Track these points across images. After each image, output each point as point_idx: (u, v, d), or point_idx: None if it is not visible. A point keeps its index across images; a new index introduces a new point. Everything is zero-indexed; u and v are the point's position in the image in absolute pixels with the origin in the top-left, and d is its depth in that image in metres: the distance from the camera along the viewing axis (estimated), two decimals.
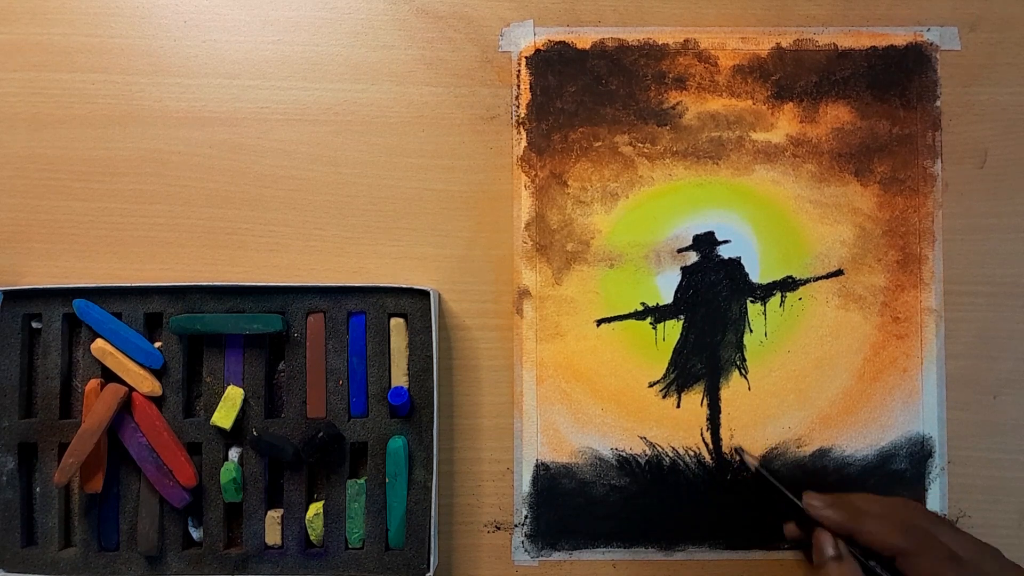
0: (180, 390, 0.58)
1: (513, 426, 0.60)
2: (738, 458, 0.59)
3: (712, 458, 0.60)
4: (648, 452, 0.60)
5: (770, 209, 0.61)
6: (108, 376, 0.58)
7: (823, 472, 0.60)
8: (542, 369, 0.61)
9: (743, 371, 0.61)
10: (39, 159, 0.61)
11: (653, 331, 0.61)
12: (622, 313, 0.61)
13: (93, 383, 0.57)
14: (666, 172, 0.61)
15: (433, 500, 0.57)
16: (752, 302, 0.61)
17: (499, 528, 0.60)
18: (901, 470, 0.60)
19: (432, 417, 0.57)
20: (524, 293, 0.61)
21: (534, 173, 0.61)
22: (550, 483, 0.60)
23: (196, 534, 0.59)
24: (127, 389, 0.57)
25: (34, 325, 0.59)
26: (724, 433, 0.60)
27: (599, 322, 0.61)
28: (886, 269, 0.61)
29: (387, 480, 0.58)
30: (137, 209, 0.61)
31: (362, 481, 0.58)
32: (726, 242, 0.61)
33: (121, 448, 0.57)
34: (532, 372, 0.61)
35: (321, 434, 0.57)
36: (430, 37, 0.62)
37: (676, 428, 0.61)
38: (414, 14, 0.62)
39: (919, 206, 0.61)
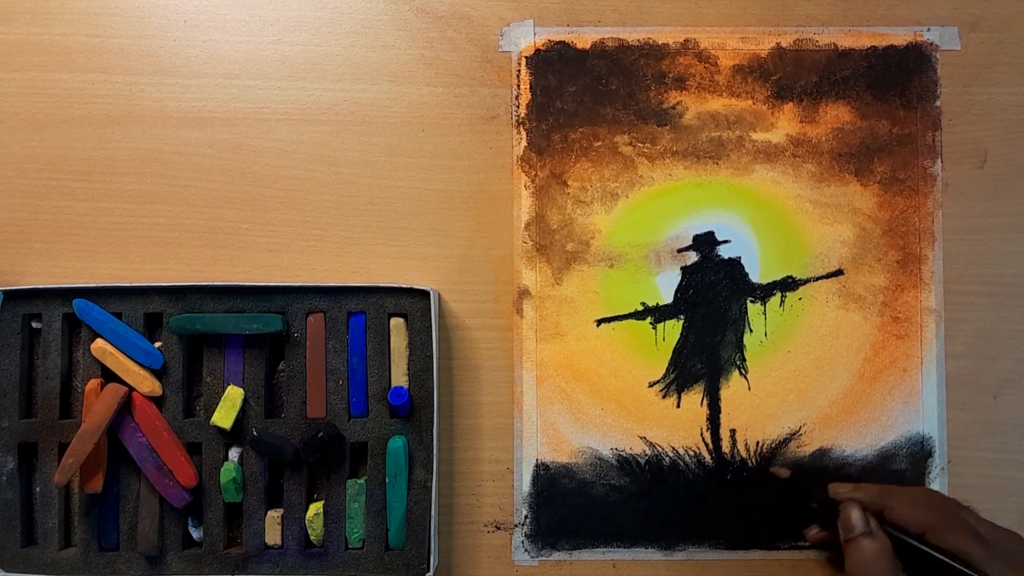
0: (180, 390, 0.58)
1: (513, 426, 0.60)
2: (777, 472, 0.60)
3: (712, 458, 0.60)
4: (648, 452, 0.60)
5: (770, 209, 0.61)
6: (108, 376, 0.58)
7: (823, 472, 0.60)
8: (542, 369, 0.61)
9: (743, 371, 0.61)
10: (39, 159, 0.61)
11: (653, 331, 0.61)
12: (622, 313, 0.61)
13: (93, 383, 0.57)
14: (666, 172, 0.61)
15: (433, 500, 0.57)
16: (752, 302, 0.61)
17: (499, 528, 0.60)
18: (901, 470, 0.60)
19: (432, 417, 0.57)
20: (524, 293, 0.61)
21: (534, 173, 0.61)
22: (550, 483, 0.60)
23: (196, 534, 0.59)
24: (127, 389, 0.57)
25: (34, 325, 0.59)
26: (724, 433, 0.60)
27: (599, 322, 0.61)
28: (886, 269, 0.61)
29: (387, 480, 0.58)
30: (137, 209, 0.61)
31: (362, 481, 0.58)
32: (726, 242, 0.61)
33: (121, 448, 0.57)
34: (532, 372, 0.61)
35: (321, 434, 0.57)
36: (430, 37, 0.62)
37: (676, 428, 0.61)
38: (414, 14, 0.62)
39: (919, 206, 0.61)
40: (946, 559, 0.50)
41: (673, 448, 0.60)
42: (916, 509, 0.51)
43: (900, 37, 0.62)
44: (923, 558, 0.51)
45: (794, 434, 0.60)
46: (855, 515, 0.52)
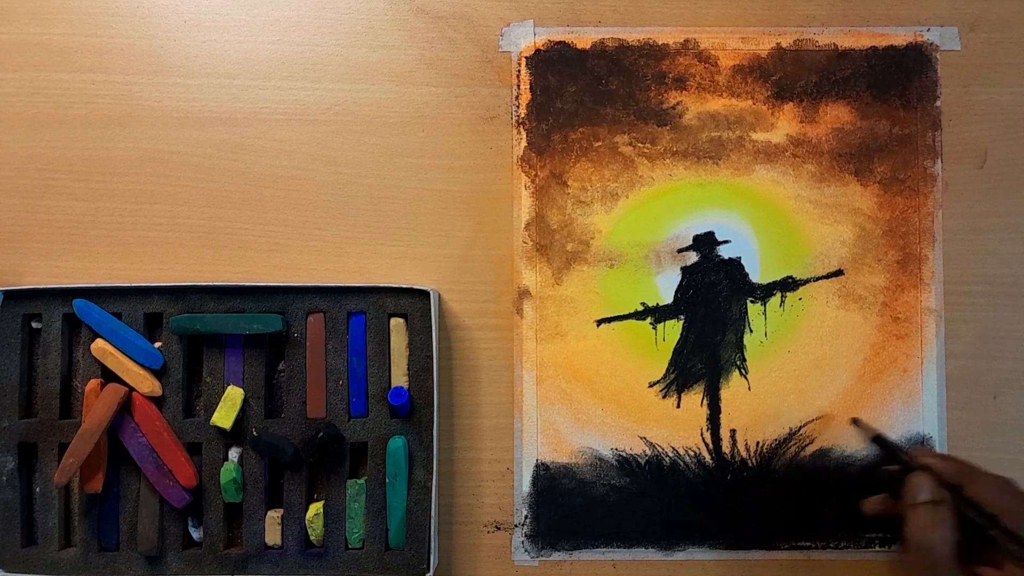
0: (180, 390, 0.58)
1: (513, 426, 0.60)
2: (854, 429, 0.59)
3: (712, 458, 0.60)
4: (648, 452, 0.60)
5: (770, 209, 0.61)
6: (108, 376, 0.58)
7: (823, 472, 0.60)
8: (542, 369, 0.61)
9: (743, 371, 0.61)
10: (39, 159, 0.61)
11: (653, 331, 0.61)
12: (622, 313, 0.61)
13: (93, 383, 0.57)
14: (666, 172, 0.61)
15: (433, 500, 0.57)
16: (752, 302, 0.61)
17: (499, 528, 0.60)
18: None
19: (432, 417, 0.57)
20: (524, 293, 0.61)
21: (534, 173, 0.61)
22: (550, 483, 0.60)
23: (196, 534, 0.59)
24: (127, 389, 0.57)
25: (34, 325, 0.59)
26: (724, 433, 0.60)
27: (599, 322, 0.61)
28: (886, 269, 0.61)
29: (387, 480, 0.58)
30: (137, 209, 0.61)
31: (362, 481, 0.58)
32: (726, 242, 0.61)
33: (121, 448, 0.57)
34: (532, 372, 0.61)
35: (321, 434, 0.57)
36: (430, 37, 0.62)
37: (676, 428, 0.61)
38: (414, 14, 0.62)
39: (919, 206, 0.61)
40: (1015, 546, 0.49)
41: (673, 448, 0.60)
42: (999, 490, 0.51)
43: (900, 37, 0.62)
44: (987, 540, 0.50)
45: (794, 434, 0.60)
46: (923, 483, 0.51)
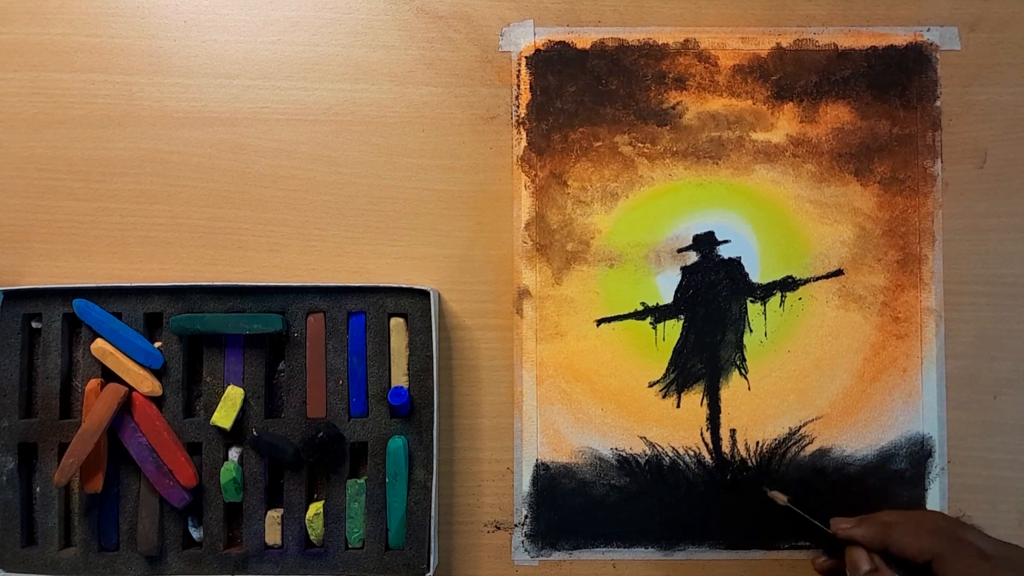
0: (180, 390, 0.58)
1: (513, 426, 0.60)
2: (768, 497, 0.59)
3: (712, 458, 0.60)
4: (648, 452, 0.60)
5: (770, 209, 0.61)
6: (108, 376, 0.58)
7: (823, 472, 0.60)
8: (542, 369, 0.61)
9: (743, 371, 0.61)
10: (39, 159, 0.61)
11: (653, 331, 0.61)
12: (622, 313, 0.61)
13: (93, 383, 0.57)
14: (666, 172, 0.61)
15: (433, 500, 0.57)
16: (752, 302, 0.61)
17: (499, 528, 0.60)
18: (901, 470, 0.60)
19: (432, 417, 0.57)
20: (524, 293, 0.61)
21: (534, 173, 0.61)
22: (550, 483, 0.60)
23: (196, 534, 0.59)
24: (127, 389, 0.57)
25: (34, 325, 0.59)
26: (724, 433, 0.60)
27: (599, 322, 0.61)
28: (886, 269, 0.61)
29: (387, 480, 0.58)
30: (137, 209, 0.61)
31: (362, 481, 0.58)
32: (726, 242, 0.61)
33: (121, 448, 0.57)
34: (532, 372, 0.61)
35: (321, 434, 0.57)
36: (430, 37, 0.62)
37: (676, 428, 0.61)
38: (414, 14, 0.62)
39: (919, 206, 0.61)
40: None
41: (673, 448, 0.60)
42: (918, 539, 0.51)
43: (900, 37, 0.62)
44: None
45: (794, 434, 0.60)
46: (860, 557, 0.52)
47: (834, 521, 0.54)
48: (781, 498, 0.58)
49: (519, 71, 0.62)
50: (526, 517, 0.60)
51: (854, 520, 0.54)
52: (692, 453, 0.60)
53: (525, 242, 0.61)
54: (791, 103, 0.61)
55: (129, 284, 0.58)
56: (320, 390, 0.58)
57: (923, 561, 0.50)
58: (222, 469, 0.57)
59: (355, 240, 0.61)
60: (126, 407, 0.57)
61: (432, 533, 0.57)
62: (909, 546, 0.51)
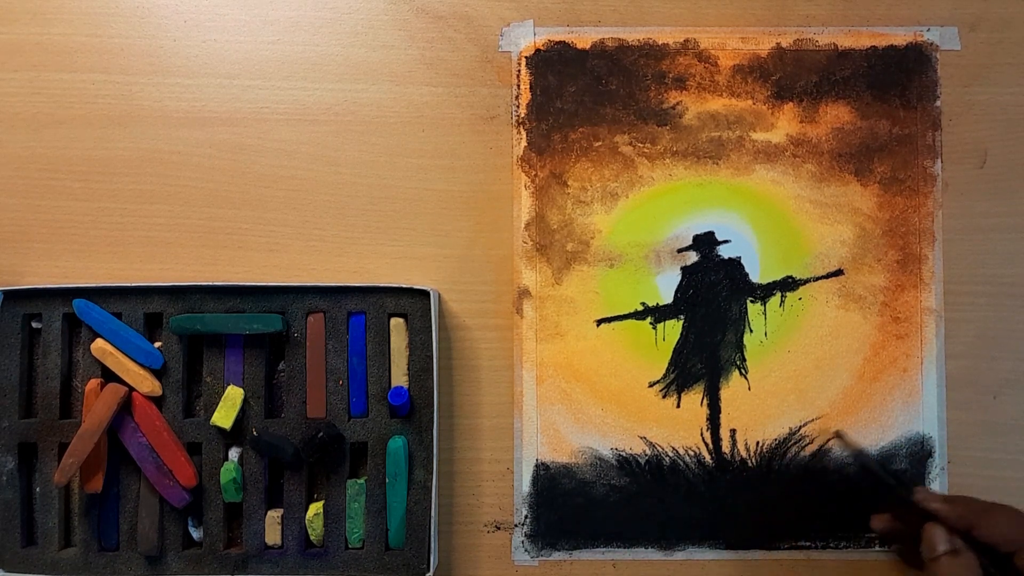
0: (180, 390, 0.58)
1: (513, 426, 0.60)
2: (835, 442, 0.57)
3: (712, 458, 0.60)
4: (648, 452, 0.60)
5: (770, 209, 0.61)
6: (108, 376, 0.58)
7: (823, 472, 0.60)
8: (542, 369, 0.61)
9: (743, 371, 0.61)
10: (39, 159, 0.61)
11: (653, 331, 0.61)
12: (622, 313, 0.61)
13: (93, 383, 0.57)
14: (666, 172, 0.61)
15: (433, 500, 0.57)
16: (752, 302, 0.61)
17: (499, 528, 0.60)
18: (901, 470, 0.60)
19: (432, 417, 0.57)
20: (524, 293, 0.61)
21: (534, 173, 0.61)
22: (550, 483, 0.60)
23: (196, 534, 0.59)
24: (127, 389, 0.57)
25: (34, 325, 0.59)
26: (724, 433, 0.60)
27: (599, 322, 0.61)
28: (886, 269, 0.61)
29: (387, 480, 0.58)
30: (137, 209, 0.61)
31: (362, 481, 0.58)
32: (726, 242, 0.61)
33: (121, 448, 0.57)
34: (532, 372, 0.61)
35: (321, 434, 0.57)
36: (430, 37, 0.62)
37: (676, 428, 0.61)
38: (414, 14, 0.62)
39: (919, 206, 0.61)
40: None
41: (673, 448, 0.60)
42: (1007, 528, 0.50)
43: (900, 37, 0.62)
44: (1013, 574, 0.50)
45: (794, 434, 0.60)
46: (939, 534, 0.51)
47: (919, 489, 0.53)
48: (855, 444, 0.56)
49: (519, 71, 0.62)
50: (526, 517, 0.60)
51: (941, 496, 0.53)
52: (692, 453, 0.60)
53: (525, 242, 0.61)
54: (791, 103, 0.61)
55: (129, 284, 0.58)
56: (320, 390, 0.58)
57: (1008, 550, 0.50)
58: (222, 469, 0.57)
59: (355, 240, 0.61)
60: (126, 407, 0.57)
61: (432, 533, 0.57)
62: (996, 533, 0.50)
